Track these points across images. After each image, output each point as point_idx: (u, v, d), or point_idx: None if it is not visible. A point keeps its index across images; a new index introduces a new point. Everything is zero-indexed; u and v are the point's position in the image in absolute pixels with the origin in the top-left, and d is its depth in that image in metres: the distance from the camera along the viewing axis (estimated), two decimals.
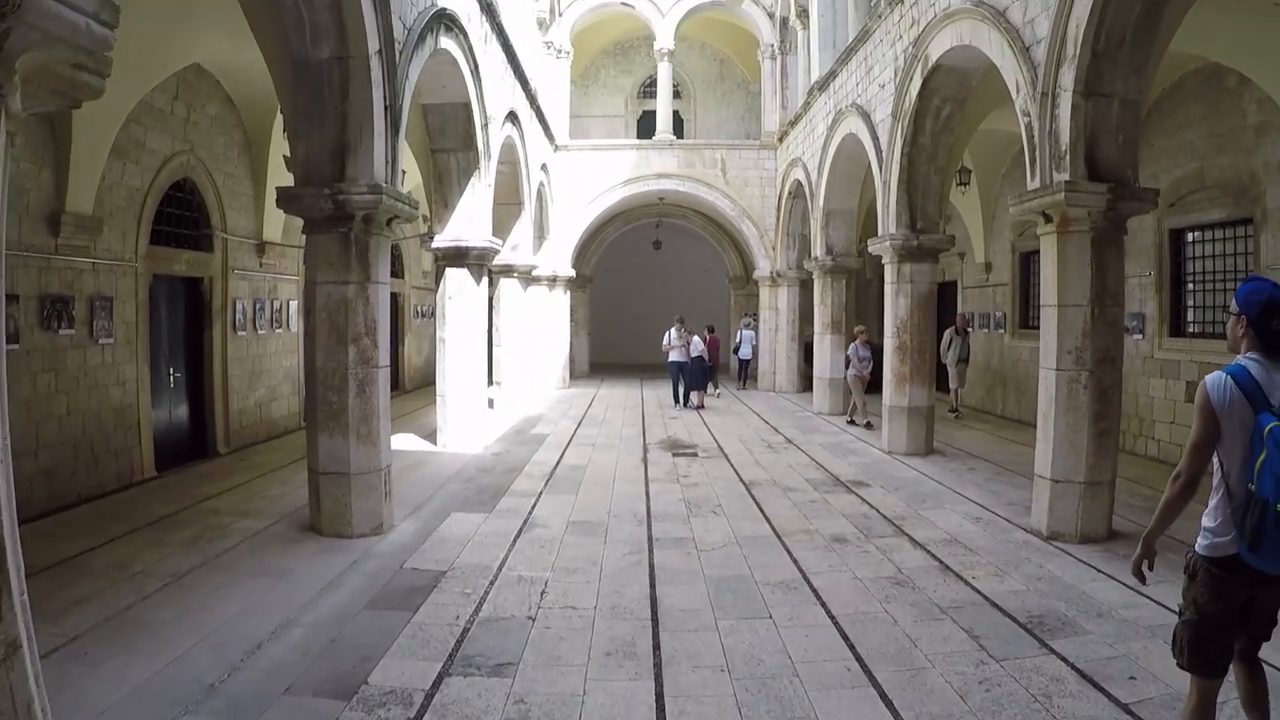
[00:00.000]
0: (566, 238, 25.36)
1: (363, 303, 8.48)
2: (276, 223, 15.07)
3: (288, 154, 8.70)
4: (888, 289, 13.88)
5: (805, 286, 23.58)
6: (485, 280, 14.22)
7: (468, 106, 13.12)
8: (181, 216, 12.96)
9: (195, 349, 13.63)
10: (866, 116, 14.89)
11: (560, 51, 25.95)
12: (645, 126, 28.71)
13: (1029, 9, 8.87)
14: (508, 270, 18.98)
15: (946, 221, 14.23)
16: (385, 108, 8.77)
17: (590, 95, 30.40)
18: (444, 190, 13.73)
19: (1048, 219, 8.32)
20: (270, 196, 13.08)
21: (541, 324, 23.91)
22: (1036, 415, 8.74)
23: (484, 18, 14.10)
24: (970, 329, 19.53)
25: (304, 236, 8.79)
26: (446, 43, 11.49)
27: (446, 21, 11.37)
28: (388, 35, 8.79)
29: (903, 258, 13.44)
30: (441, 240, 13.59)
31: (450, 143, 13.53)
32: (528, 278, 20.10)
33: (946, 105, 12.41)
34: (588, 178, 25.40)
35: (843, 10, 18.89)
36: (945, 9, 11.12)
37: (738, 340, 26.63)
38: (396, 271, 22.00)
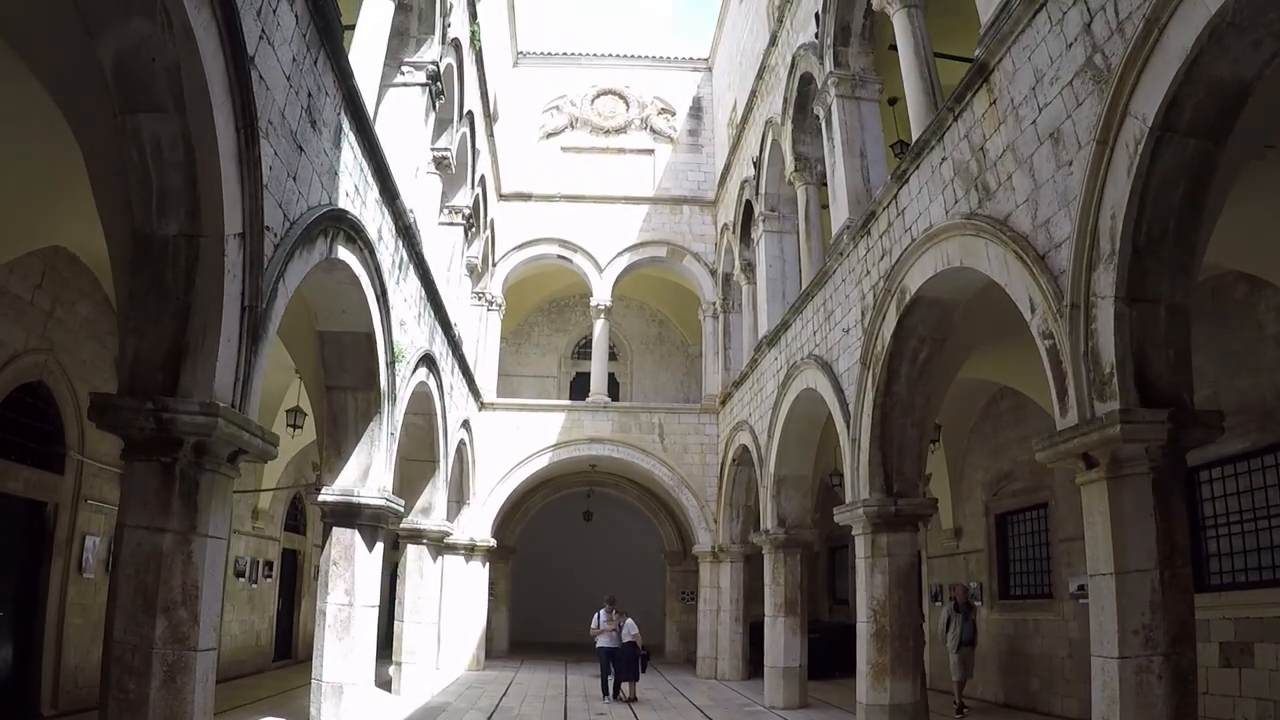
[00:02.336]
0: (489, 504, 23.32)
1: (182, 560, 6.33)
2: None
3: None
4: (860, 565, 11.95)
5: (750, 562, 21.60)
6: (380, 545, 12.05)
7: (370, 339, 11.44)
8: (27, 426, 11.45)
9: (29, 586, 11.81)
10: (827, 367, 13.43)
11: (492, 304, 25.08)
12: (579, 388, 27.43)
13: (1040, 209, 7.52)
14: (416, 535, 16.89)
15: (926, 482, 12.53)
16: (243, 308, 6.98)
17: (522, 353, 29.31)
18: (338, 435, 11.80)
19: (1091, 463, 6.56)
20: None
21: (455, 597, 21.48)
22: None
23: (399, 241, 12.75)
24: (976, 601, 16.97)
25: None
26: (346, 255, 9.95)
27: (348, 229, 9.87)
28: (256, 218, 7.12)
29: (878, 527, 11.58)
30: (330, 493, 11.51)
31: (348, 379, 11.71)
32: (439, 545, 17.89)
33: (925, 346, 10.93)
34: (515, 440, 23.74)
35: (792, 259, 18.08)
36: (926, 230, 9.83)
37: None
38: (298, 526, 20.29)
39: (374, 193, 11.35)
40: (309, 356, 11.60)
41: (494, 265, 25.54)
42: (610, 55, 29.75)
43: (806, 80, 15.97)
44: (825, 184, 15.38)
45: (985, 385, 16.02)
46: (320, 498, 11.53)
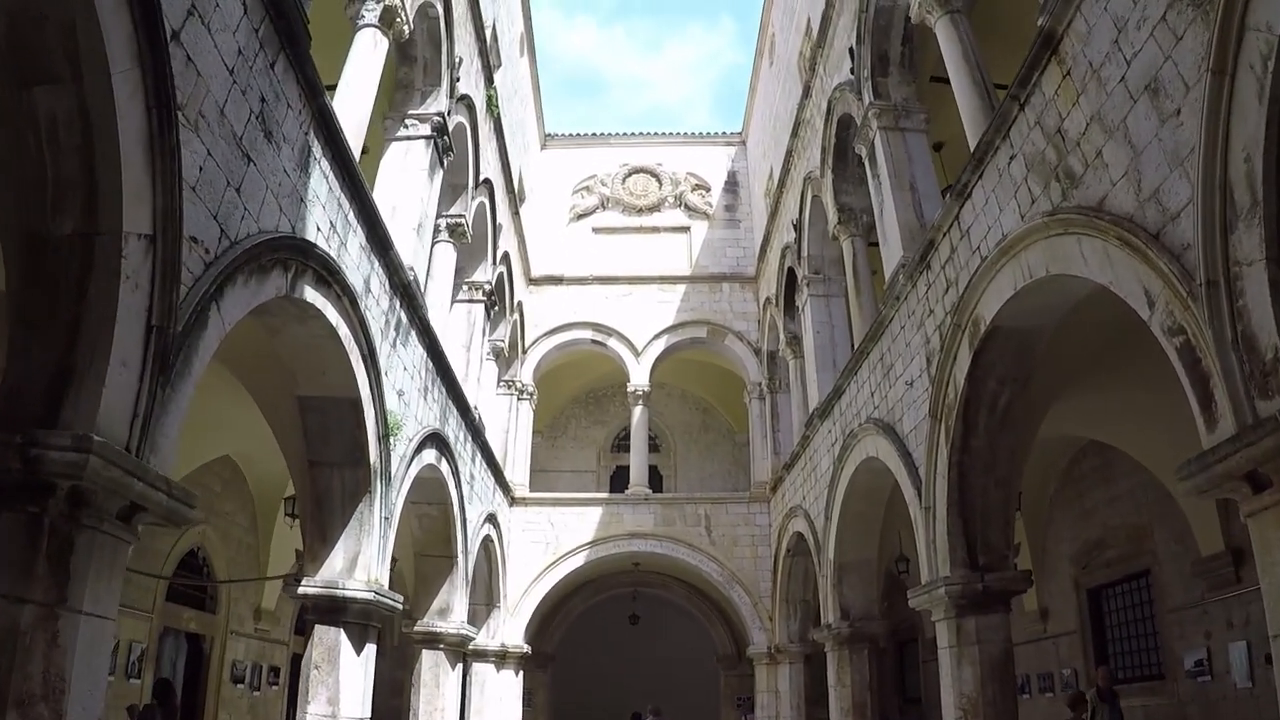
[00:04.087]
0: (522, 607, 21.62)
1: (45, 641, 4.82)
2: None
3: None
4: (944, 657, 10.12)
5: (811, 662, 19.64)
6: (370, 647, 10.44)
7: (356, 406, 10.06)
8: None
9: None
10: (889, 430, 11.82)
11: (523, 392, 23.85)
12: (619, 483, 25.79)
13: (1145, 179, 6.07)
14: (432, 639, 15.24)
15: (1015, 553, 10.75)
16: (149, 328, 5.60)
17: (559, 447, 28.00)
18: (322, 518, 10.31)
19: (1260, 483, 4.91)
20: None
21: (486, 710, 19.78)
22: None
23: (395, 299, 11.52)
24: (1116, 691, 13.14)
25: None
26: (318, 299, 8.65)
27: (319, 267, 8.57)
28: (172, 221, 5.79)
29: (963, 610, 9.76)
30: (311, 585, 9.97)
31: (333, 453, 10.28)
32: (459, 650, 16.15)
33: (1005, 389, 9.29)
34: (549, 537, 22.18)
35: (841, 324, 16.72)
36: (999, 244, 8.30)
37: None
38: (198, 603, 17.30)
39: (358, 237, 10.12)
40: (290, 427, 10.23)
41: (524, 352, 24.44)
42: (640, 134, 29.13)
43: (845, 124, 14.96)
44: (873, 236, 14.31)
45: (1065, 443, 14.31)
46: (300, 589, 9.97)
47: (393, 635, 19.96)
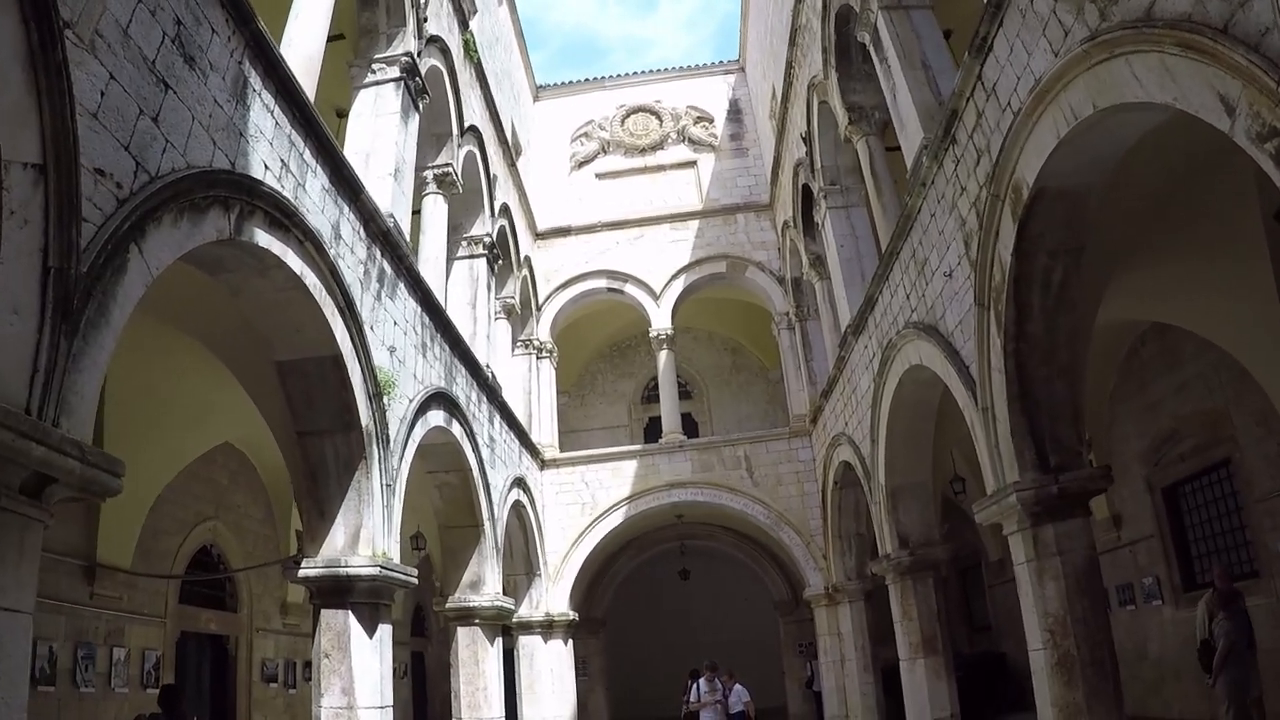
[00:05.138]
0: (564, 573, 20.96)
1: None
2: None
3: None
4: (1022, 573, 9.21)
5: (872, 599, 18.78)
6: (385, 628, 9.70)
7: (338, 363, 9.34)
8: None
9: None
10: (932, 330, 10.90)
11: (542, 351, 23.13)
12: (654, 434, 24.98)
13: None
14: (465, 615, 14.54)
15: (1089, 449, 9.80)
16: (45, 270, 4.83)
17: (588, 405, 27.39)
18: (318, 492, 9.60)
19: None
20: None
21: (538, 682, 19.23)
22: None
23: (373, 247, 10.89)
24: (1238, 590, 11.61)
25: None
26: (273, 244, 7.98)
27: (269, 208, 7.89)
28: (66, 149, 5.01)
29: (1038, 518, 8.83)
30: (312, 566, 9.25)
31: (322, 420, 9.57)
32: (496, 623, 15.40)
33: (1058, 262, 8.34)
34: (585, 497, 21.51)
35: (865, 233, 15.92)
36: (1032, 91, 7.34)
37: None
38: (217, 602, 16.76)
39: (319, 179, 9.36)
40: (272, 397, 9.55)
41: (538, 309, 23.72)
42: (635, 74, 28.46)
43: (844, 18, 14.05)
44: (889, 136, 13.47)
45: (1120, 330, 13.26)
46: (300, 573, 9.26)
47: (437, 618, 19.30)
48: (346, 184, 10.10)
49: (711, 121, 26.56)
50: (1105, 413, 14.90)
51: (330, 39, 12.71)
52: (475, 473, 14.53)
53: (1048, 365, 8.78)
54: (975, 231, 9.07)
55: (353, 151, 11.90)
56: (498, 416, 17.14)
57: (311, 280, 8.70)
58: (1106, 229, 8.31)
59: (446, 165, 15.86)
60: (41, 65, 4.91)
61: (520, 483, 18.52)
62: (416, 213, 14.41)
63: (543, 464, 21.41)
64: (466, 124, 17.06)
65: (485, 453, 15.46)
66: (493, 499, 15.59)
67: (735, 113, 26.64)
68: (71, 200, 5.06)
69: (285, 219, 8.15)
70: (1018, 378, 8.84)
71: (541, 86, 28.34)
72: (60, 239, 4.95)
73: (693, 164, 25.96)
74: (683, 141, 26.32)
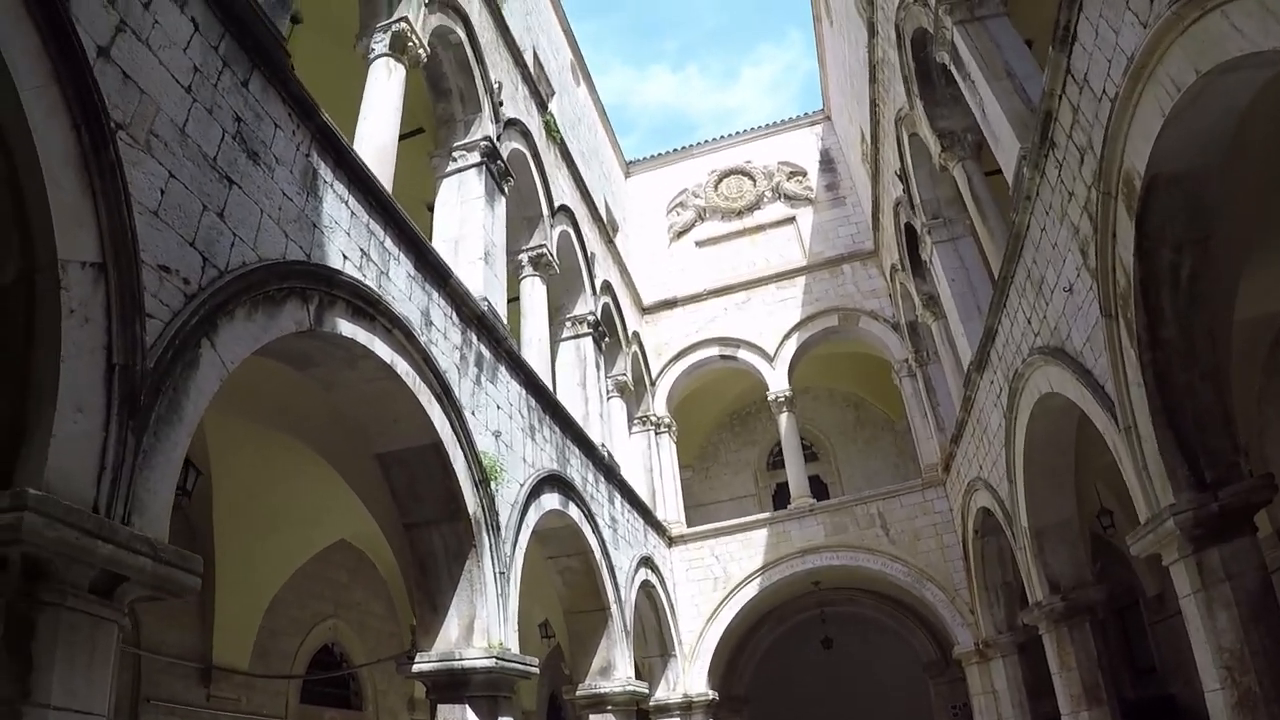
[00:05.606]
0: (700, 651, 20.33)
1: None
2: None
3: None
4: (1188, 607, 8.44)
5: (1027, 651, 17.73)
6: None
7: (439, 450, 9.31)
8: None
9: None
10: (1059, 353, 10.30)
11: (660, 426, 22.86)
12: (782, 502, 24.43)
13: None
14: (597, 702, 14.17)
15: (1245, 456, 9.06)
16: (110, 366, 4.86)
17: (713, 478, 26.91)
18: (428, 584, 9.50)
19: None
20: None
21: None
22: None
23: (468, 331, 10.85)
24: None
25: None
26: (353, 329, 7.91)
27: (350, 296, 7.91)
28: (125, 245, 5.10)
29: (1200, 541, 8.08)
30: (426, 660, 9.06)
31: (427, 510, 9.53)
32: (628, 709, 14.95)
33: (1184, 257, 7.77)
34: (716, 572, 20.94)
35: (975, 264, 15.38)
36: (1126, 70, 6.89)
37: None
38: (341, 701, 16.70)
39: (403, 265, 9.38)
40: (377, 491, 9.51)
41: (652, 384, 23.54)
42: (722, 137, 28.51)
43: (920, 43, 13.76)
44: (984, 157, 13.17)
45: (1258, 325, 12.29)
46: (415, 668, 9.08)
47: (571, 706, 18.97)
48: (433, 269, 10.11)
49: (805, 175, 26.32)
50: (1255, 417, 13.95)
51: (409, 134, 13.07)
52: (598, 555, 14.28)
53: (1189, 371, 8.16)
54: (1091, 237, 8.55)
55: (441, 239, 12.05)
56: (618, 496, 16.90)
57: (403, 368, 8.66)
58: (1233, 213, 7.73)
59: (540, 246, 15.91)
60: (94, 166, 5.00)
61: (647, 562, 18.17)
62: (514, 299, 14.44)
63: (670, 541, 21.02)
64: (557, 204, 17.16)
65: (607, 534, 15.21)
66: (618, 581, 15.29)
67: (827, 162, 26.36)
68: (134, 297, 5.09)
69: (369, 307, 8.15)
70: (1158, 389, 8.22)
71: (631, 162, 28.63)
72: (124, 336, 4.96)
73: (791, 220, 25.69)
74: (778, 198, 26.11)
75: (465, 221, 12.46)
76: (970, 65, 11.31)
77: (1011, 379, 12.44)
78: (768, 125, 27.89)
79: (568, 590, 14.26)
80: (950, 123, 13.94)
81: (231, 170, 6.56)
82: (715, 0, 79.35)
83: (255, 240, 6.64)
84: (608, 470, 16.38)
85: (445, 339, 9.97)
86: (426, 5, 11.92)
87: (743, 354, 23.60)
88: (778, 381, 22.64)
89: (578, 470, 14.37)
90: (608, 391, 19.63)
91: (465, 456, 9.61)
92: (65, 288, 4.66)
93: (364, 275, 8.28)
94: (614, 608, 14.68)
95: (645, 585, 17.78)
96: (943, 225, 16.10)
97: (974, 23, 11.35)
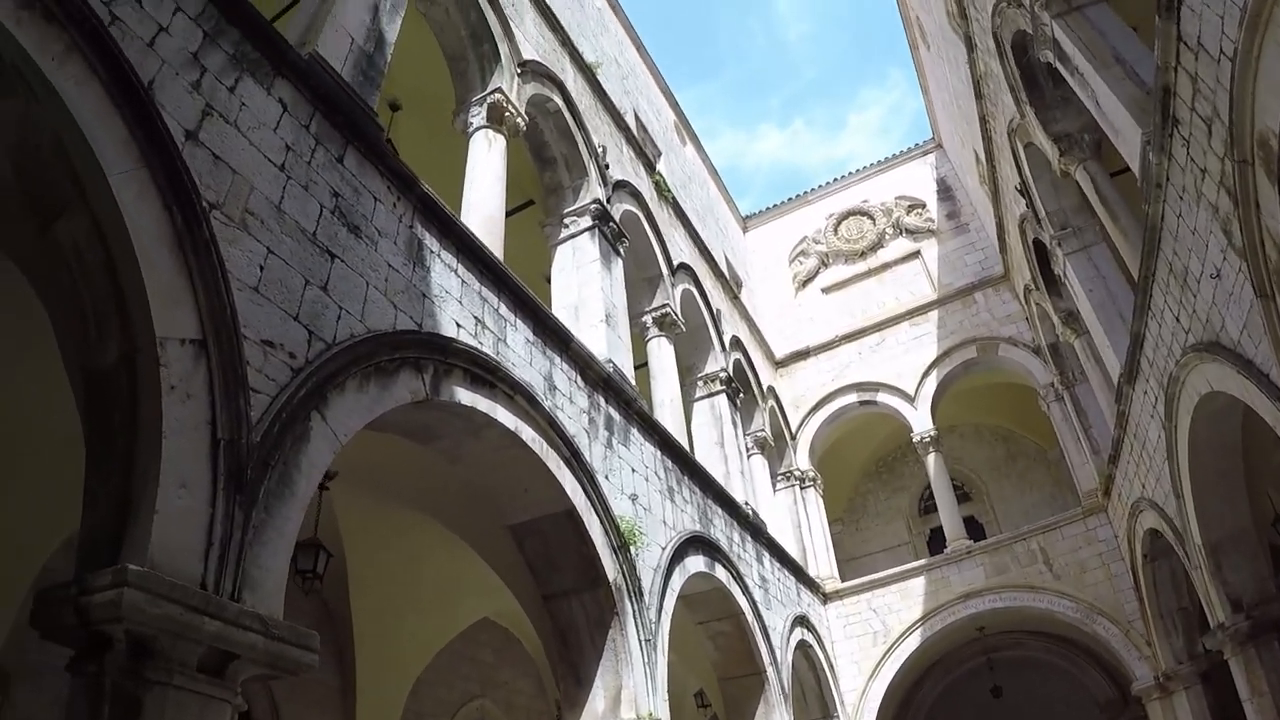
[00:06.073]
0: (865, 710, 19.43)
1: None
2: None
3: None
4: None
5: (1211, 680, 16.42)
6: None
7: (573, 518, 9.15)
8: None
9: None
10: (1214, 346, 9.57)
11: (805, 480, 22.31)
12: (937, 546, 23.51)
13: None
14: None
15: None
16: (215, 441, 4.84)
17: (864, 529, 26.10)
18: (571, 656, 9.25)
19: None
20: None
21: None
22: None
23: (595, 395, 10.72)
24: None
25: None
26: (472, 398, 7.82)
27: (468, 364, 7.82)
28: (224, 321, 5.15)
29: None
30: None
31: (565, 580, 9.36)
32: None
33: None
34: (876, 626, 20.13)
35: (1111, 271, 14.62)
36: (1242, 23, 6.38)
37: None
38: None
39: (521, 331, 9.31)
40: (513, 563, 9.39)
41: (792, 438, 23.05)
42: (835, 180, 28.07)
43: (1021, 48, 13.28)
44: (1105, 154, 12.63)
45: None
46: None
47: None
48: (553, 334, 10.04)
49: (924, 207, 25.69)
50: None
51: (518, 208, 13.15)
52: (749, 617, 13.83)
53: None
54: (1232, 213, 7.96)
55: (560, 305, 12.03)
56: (766, 555, 16.45)
57: (529, 435, 8.55)
58: None
59: (664, 306, 15.76)
60: (189, 245, 5.07)
61: (802, 621, 17.60)
62: (641, 365, 14.35)
63: (824, 598, 20.36)
64: (676, 262, 17.07)
65: (758, 594, 14.76)
66: (773, 642, 14.78)
67: (945, 191, 25.72)
68: (236, 372, 5.09)
69: (488, 375, 8.08)
70: None
71: (748, 217, 28.51)
72: (228, 411, 4.95)
73: (916, 254, 25.07)
74: (900, 234, 25.53)
75: (583, 286, 12.41)
76: (1076, 58, 10.86)
77: (1166, 385, 11.72)
78: (880, 162, 27.43)
79: (720, 655, 13.79)
80: (1065, 125, 13.39)
81: (332, 244, 6.58)
82: (812, 52, 79.23)
83: (363, 312, 6.64)
84: (754, 529, 15.96)
85: (571, 403, 9.84)
86: (520, 75, 12.00)
87: (882, 397, 22.96)
88: (921, 422, 21.94)
89: (722, 530, 14.02)
90: (747, 449, 19.28)
91: (601, 522, 9.40)
92: (164, 365, 4.68)
93: (480, 343, 8.23)
94: (769, 671, 14.15)
95: (802, 645, 17.19)
96: (1072, 235, 15.42)
97: (1073, 14, 10.91)
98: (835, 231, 26.32)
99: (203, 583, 4.45)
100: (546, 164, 13.50)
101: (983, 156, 19.25)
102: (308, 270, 6.16)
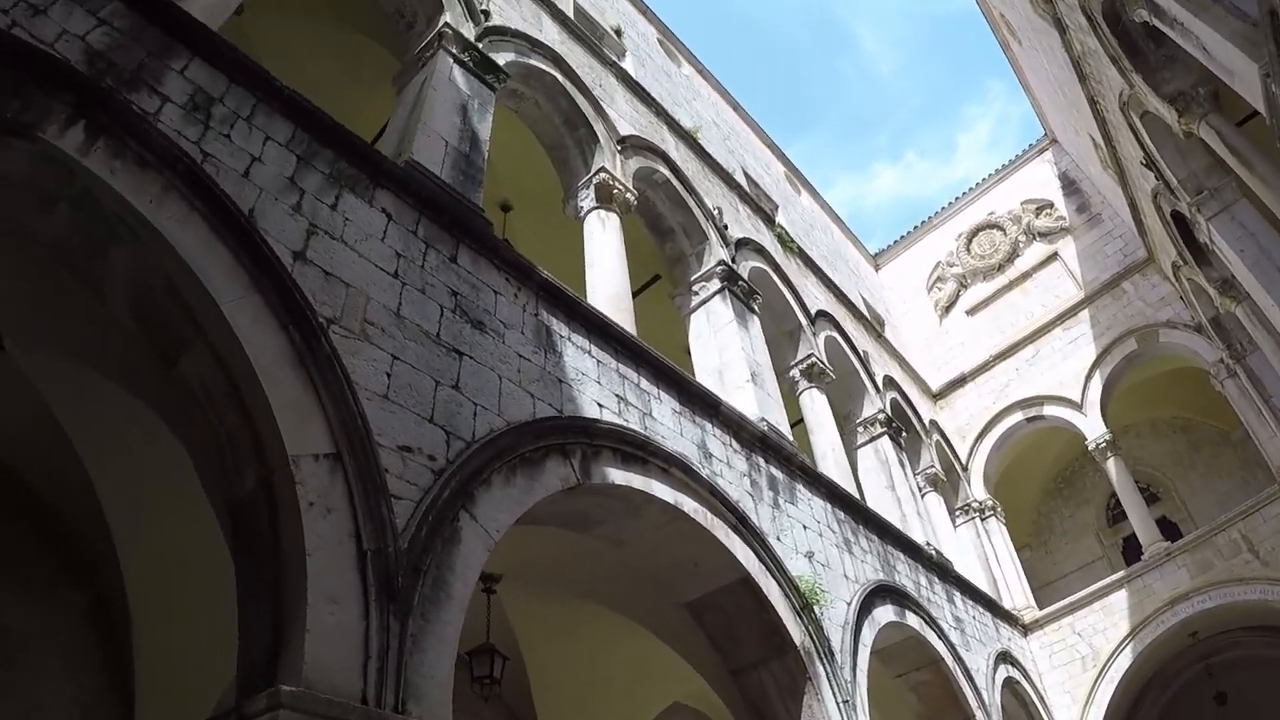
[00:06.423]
0: None
1: None
2: None
3: None
4: None
5: None
6: None
7: (749, 585, 8.74)
8: None
9: None
10: None
11: (983, 511, 21.37)
12: (1133, 555, 22.11)
13: None
14: None
15: None
16: (361, 553, 4.75)
17: (1053, 551, 24.77)
18: None
19: None
20: None
21: None
22: None
23: (752, 457, 10.48)
24: None
25: None
26: (625, 476, 7.66)
27: (616, 444, 7.68)
28: (356, 431, 5.13)
29: None
30: None
31: (750, 652, 8.94)
32: None
33: None
34: (1083, 650, 18.87)
35: (1256, 223, 13.60)
36: None
37: None
38: None
39: (666, 404, 9.11)
40: (693, 642, 9.09)
41: (964, 469, 22.14)
42: (955, 200, 27.35)
43: (1113, 16, 12.77)
44: (1224, 100, 12.00)
45: None
46: None
47: None
48: (700, 401, 9.80)
49: (1051, 206, 24.72)
50: None
51: (646, 285, 13.06)
52: (949, 662, 13.05)
53: None
54: None
55: (702, 372, 11.78)
56: (957, 594, 15.64)
57: (690, 506, 8.27)
58: None
59: (809, 356, 15.37)
60: (311, 361, 5.10)
61: (1006, 657, 16.60)
62: (797, 423, 13.99)
63: (1024, 629, 19.21)
64: (813, 310, 16.74)
65: (954, 636, 13.97)
66: (977, 684, 13.89)
67: (1069, 185, 24.73)
68: (375, 481, 5.03)
69: (639, 451, 7.89)
70: None
71: (877, 254, 28.08)
72: (372, 520, 4.89)
73: (1054, 256, 24.07)
74: (1033, 239, 24.59)
75: (724, 349, 12.15)
76: (1171, 9, 10.32)
77: None
78: (998, 170, 26.63)
79: (924, 707, 13.01)
80: (1176, 84, 12.69)
81: (458, 342, 6.51)
82: (907, 82, 78.18)
83: (499, 405, 6.52)
84: (940, 569, 15.22)
85: (729, 468, 9.52)
86: (620, 151, 11.96)
87: (1048, 410, 21.94)
88: (1093, 428, 20.83)
89: (907, 575, 13.37)
90: (920, 488, 18.54)
91: (779, 585, 8.98)
92: (300, 482, 4.65)
93: (625, 420, 8.04)
94: (979, 715, 13.26)
95: (1009, 682, 16.12)
96: (1210, 198, 14.49)
97: None
98: (968, 250, 25.57)
99: (363, 697, 4.32)
100: (665, 235, 13.40)
101: (1099, 139, 18.46)
102: (436, 371, 6.09)
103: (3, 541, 7.89)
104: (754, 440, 10.54)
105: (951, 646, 13.43)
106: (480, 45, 10.07)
